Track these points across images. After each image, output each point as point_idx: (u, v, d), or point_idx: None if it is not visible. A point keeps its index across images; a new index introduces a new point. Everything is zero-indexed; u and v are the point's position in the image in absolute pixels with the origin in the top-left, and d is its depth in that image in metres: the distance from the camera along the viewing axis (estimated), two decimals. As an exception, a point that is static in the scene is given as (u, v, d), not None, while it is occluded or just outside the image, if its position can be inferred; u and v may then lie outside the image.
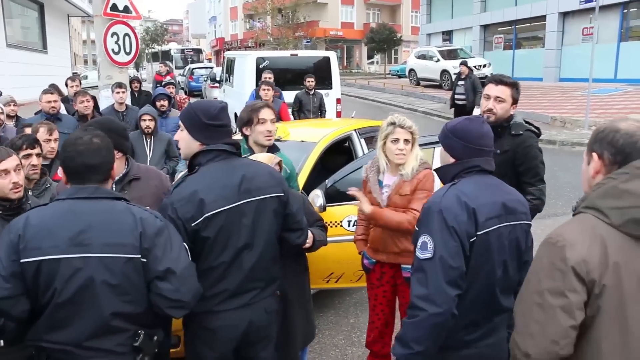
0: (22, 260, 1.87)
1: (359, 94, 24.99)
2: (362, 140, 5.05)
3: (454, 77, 21.83)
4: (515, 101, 3.25)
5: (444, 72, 22.62)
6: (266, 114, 3.37)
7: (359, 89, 27.45)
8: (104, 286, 1.92)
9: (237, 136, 3.57)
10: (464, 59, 14.30)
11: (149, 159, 5.58)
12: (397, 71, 34.39)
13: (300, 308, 3.04)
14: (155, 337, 2.10)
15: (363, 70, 44.55)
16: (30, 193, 3.12)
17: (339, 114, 11.64)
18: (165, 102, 6.93)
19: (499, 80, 3.26)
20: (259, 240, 2.41)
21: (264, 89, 7.57)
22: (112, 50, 7.48)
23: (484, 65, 22.41)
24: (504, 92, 3.22)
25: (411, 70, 25.70)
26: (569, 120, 14.07)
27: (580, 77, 19.33)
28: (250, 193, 2.37)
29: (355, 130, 5.11)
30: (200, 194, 2.27)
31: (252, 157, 3.02)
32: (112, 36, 7.43)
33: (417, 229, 2.18)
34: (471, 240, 2.06)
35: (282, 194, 2.50)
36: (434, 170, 2.50)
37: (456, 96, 12.79)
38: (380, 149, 3.30)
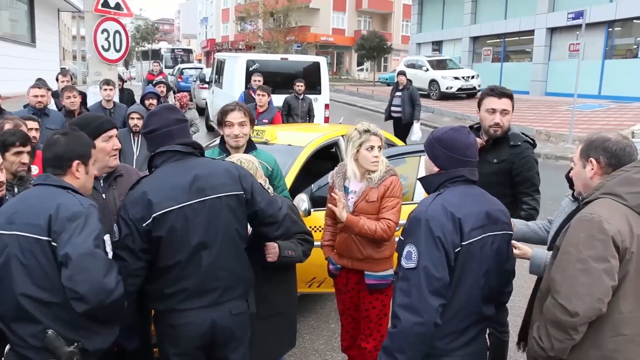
0: None
1: (348, 100, 25.08)
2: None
3: (444, 87, 22.13)
4: (512, 111, 3.27)
5: (433, 81, 22.81)
6: (234, 116, 3.38)
7: (347, 95, 27.53)
8: (17, 264, 1.98)
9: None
10: (402, 70, 12.73)
11: (135, 157, 5.56)
12: (387, 79, 34.57)
13: (260, 320, 2.82)
14: (78, 344, 2.01)
15: (352, 76, 44.74)
16: (16, 190, 3.14)
17: (327, 120, 11.68)
18: (154, 101, 6.89)
19: (501, 93, 3.22)
20: (216, 239, 2.39)
21: (260, 94, 7.51)
22: (102, 47, 7.45)
23: (473, 77, 22.66)
24: (508, 104, 3.22)
25: (400, 78, 25.84)
26: (553, 134, 14.25)
27: (566, 92, 19.61)
28: (204, 192, 2.37)
29: (342, 136, 5.12)
30: (148, 195, 2.30)
31: (228, 158, 3.04)
32: (102, 33, 7.41)
33: (401, 238, 2.19)
34: (456, 250, 2.07)
35: (241, 192, 2.45)
36: (418, 179, 2.48)
37: (392, 108, 11.36)
38: (352, 156, 3.26)
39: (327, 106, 11.84)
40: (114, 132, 2.69)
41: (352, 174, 3.30)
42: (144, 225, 2.28)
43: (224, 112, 3.42)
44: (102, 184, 2.73)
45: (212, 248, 2.38)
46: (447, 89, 22.17)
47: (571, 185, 2.90)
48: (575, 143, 13.01)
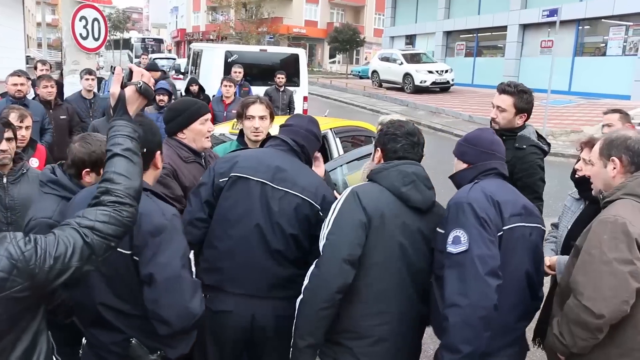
0: None
1: (321, 92, 25.02)
2: (338, 140, 5.02)
3: (417, 80, 22.25)
4: (520, 110, 3.16)
5: (407, 75, 22.97)
6: (255, 109, 3.35)
7: (320, 87, 27.49)
8: (96, 273, 1.84)
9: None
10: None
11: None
12: (359, 72, 34.65)
13: None
14: (160, 352, 1.92)
15: (324, 69, 44.67)
16: (4, 180, 3.02)
17: (305, 112, 11.64)
18: (165, 98, 6.50)
19: (502, 89, 3.22)
20: (274, 230, 2.38)
21: (226, 85, 7.37)
22: (80, 34, 7.21)
23: (446, 71, 22.90)
24: (505, 101, 3.17)
25: (374, 71, 25.96)
26: (526, 129, 14.48)
27: (537, 87, 19.87)
28: (284, 182, 2.41)
29: (331, 129, 5.06)
30: (238, 157, 2.49)
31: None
32: (80, 20, 7.17)
33: (441, 231, 2.13)
34: (499, 234, 2.06)
35: (318, 207, 2.41)
36: (449, 177, 2.42)
37: None
38: None
39: (305, 98, 11.80)
40: (208, 116, 2.93)
41: None
42: (220, 180, 2.42)
43: (245, 105, 3.39)
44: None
45: (265, 236, 2.38)
46: (421, 82, 22.36)
47: (577, 184, 2.95)
48: (548, 138, 13.25)
